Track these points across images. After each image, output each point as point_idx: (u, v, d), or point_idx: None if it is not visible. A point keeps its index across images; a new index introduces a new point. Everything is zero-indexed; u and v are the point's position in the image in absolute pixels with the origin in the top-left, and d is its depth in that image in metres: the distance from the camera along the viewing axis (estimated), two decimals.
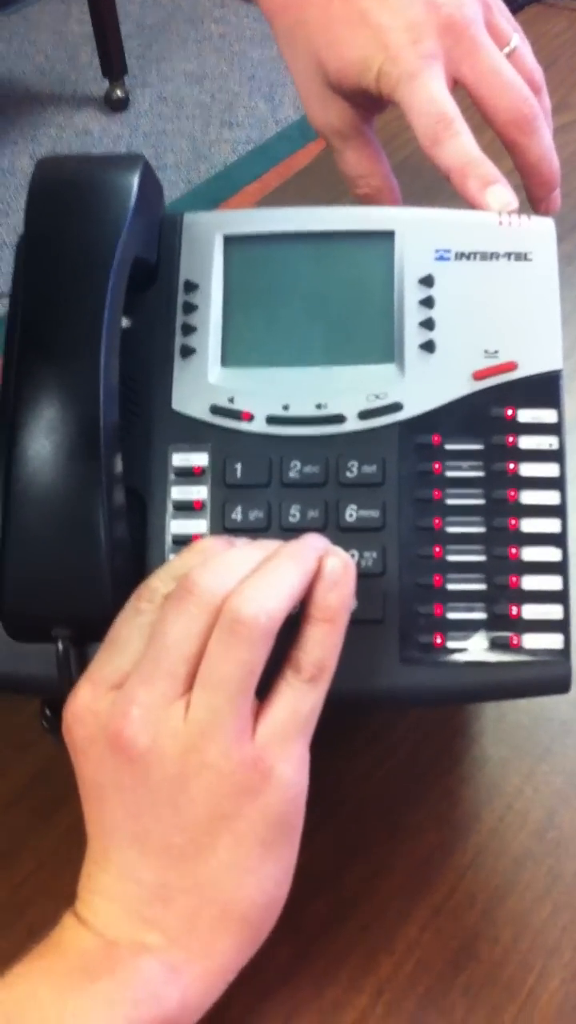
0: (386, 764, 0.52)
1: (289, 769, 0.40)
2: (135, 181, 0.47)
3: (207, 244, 0.49)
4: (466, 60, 0.54)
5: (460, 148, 0.52)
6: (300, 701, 0.40)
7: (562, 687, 0.45)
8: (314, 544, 0.42)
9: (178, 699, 0.39)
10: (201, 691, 0.39)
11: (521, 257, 0.49)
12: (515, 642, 0.44)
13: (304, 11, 0.57)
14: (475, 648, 0.44)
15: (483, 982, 0.45)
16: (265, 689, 0.40)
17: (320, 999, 0.45)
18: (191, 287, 0.49)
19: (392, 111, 0.58)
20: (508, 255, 0.49)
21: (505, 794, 0.50)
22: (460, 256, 0.49)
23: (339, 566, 0.41)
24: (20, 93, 2.64)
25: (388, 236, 0.49)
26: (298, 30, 0.57)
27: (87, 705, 0.41)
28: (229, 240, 0.50)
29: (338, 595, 0.41)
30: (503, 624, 0.44)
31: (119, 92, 2.53)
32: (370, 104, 0.58)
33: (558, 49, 0.98)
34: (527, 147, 0.54)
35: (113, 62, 2.50)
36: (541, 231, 0.50)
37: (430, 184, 0.84)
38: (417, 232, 0.49)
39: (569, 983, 0.45)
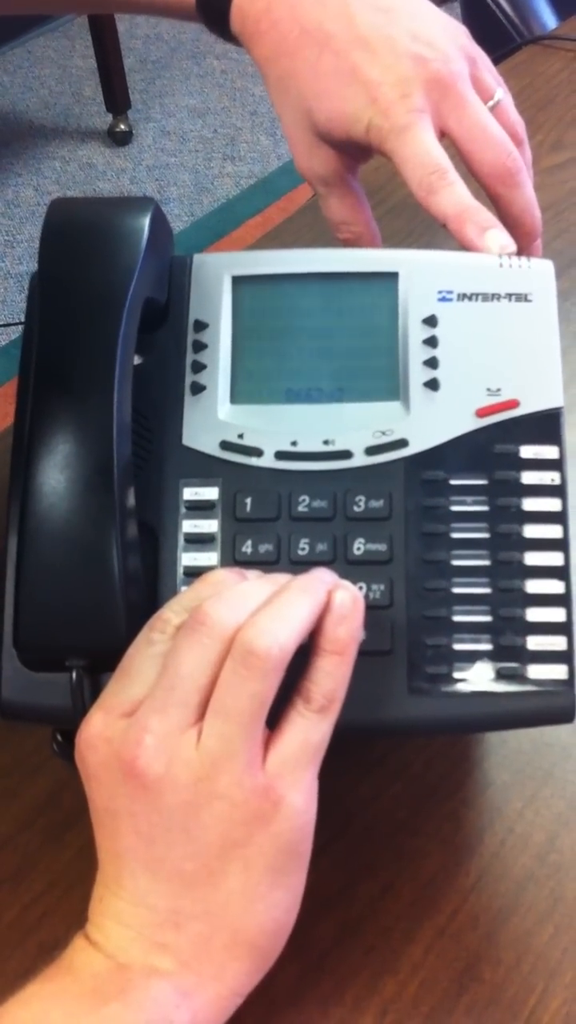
0: (391, 788, 0.53)
1: (299, 798, 0.41)
2: (146, 224, 0.48)
3: (216, 284, 0.51)
4: (453, 114, 0.55)
5: (456, 197, 0.54)
6: (310, 731, 0.42)
7: (567, 717, 0.46)
8: (323, 578, 0.43)
9: (191, 728, 0.41)
10: (214, 720, 0.41)
11: (521, 298, 0.51)
12: (520, 673, 0.46)
13: (294, 62, 0.58)
14: (481, 679, 0.46)
15: (486, 1003, 0.46)
16: (275, 718, 0.42)
17: (326, 1019, 0.46)
18: (201, 326, 0.51)
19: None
20: (509, 296, 0.51)
21: (507, 817, 0.52)
22: (462, 297, 0.51)
23: (348, 599, 0.43)
24: (24, 126, 2.67)
25: (392, 277, 0.51)
26: (289, 81, 0.58)
27: (99, 732, 0.42)
28: (237, 280, 0.51)
29: (347, 628, 0.42)
30: (508, 655, 0.46)
31: (123, 126, 2.57)
32: (356, 154, 0.60)
33: (555, 88, 1.01)
34: (511, 199, 0.56)
35: (117, 96, 2.53)
36: (540, 272, 0.52)
37: (430, 222, 0.87)
38: (420, 274, 0.51)
39: (571, 1003, 0.46)
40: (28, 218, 2.40)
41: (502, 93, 0.59)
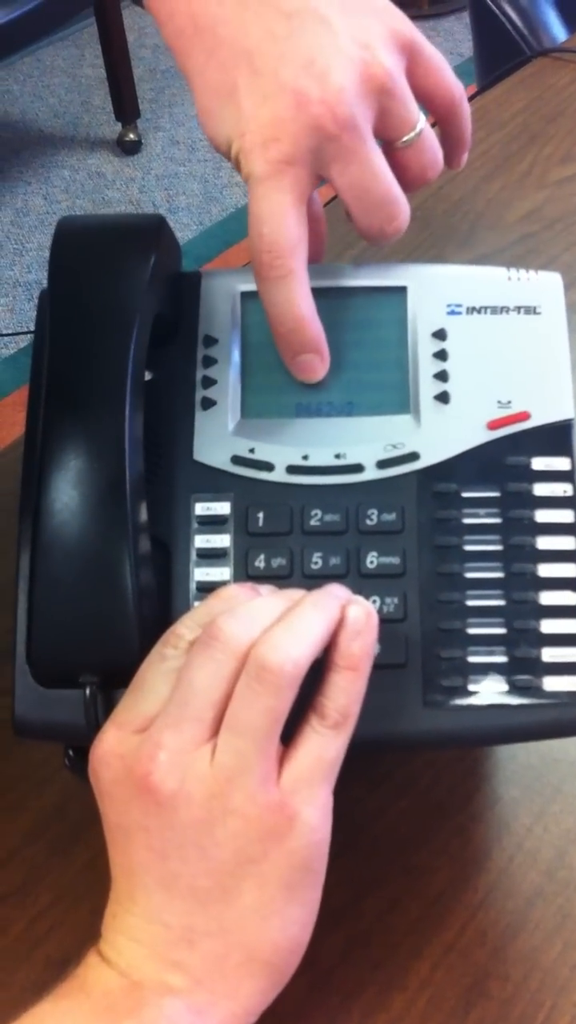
0: (400, 802, 0.53)
1: (314, 814, 0.41)
2: (155, 240, 0.48)
3: (225, 300, 0.51)
4: (335, 164, 0.47)
5: (282, 297, 0.48)
6: (325, 747, 0.42)
7: None
8: (337, 593, 0.43)
9: (205, 743, 0.41)
10: (228, 736, 0.40)
11: (531, 311, 0.51)
12: (535, 685, 0.45)
13: (186, 63, 0.50)
14: (496, 691, 0.46)
15: (494, 1020, 0.46)
16: (289, 733, 0.42)
17: None
18: (210, 341, 0.51)
19: None
20: (518, 308, 0.51)
21: (515, 833, 0.51)
22: (471, 310, 0.51)
23: (362, 615, 0.43)
24: (34, 135, 2.68)
25: (401, 292, 0.51)
26: (188, 81, 0.51)
27: (112, 748, 0.42)
28: (246, 296, 0.51)
29: (361, 643, 0.42)
30: (523, 667, 0.46)
31: (132, 135, 2.57)
32: None
33: (564, 101, 1.01)
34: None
35: (126, 105, 2.54)
36: (549, 285, 0.52)
37: (439, 234, 0.87)
38: (429, 288, 0.51)
39: None
40: (37, 227, 2.40)
41: (423, 123, 0.50)
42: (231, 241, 2.29)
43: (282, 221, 0.47)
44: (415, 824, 0.52)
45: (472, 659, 0.46)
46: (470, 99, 0.95)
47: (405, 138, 0.49)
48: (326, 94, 0.46)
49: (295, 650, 0.41)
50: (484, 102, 1.00)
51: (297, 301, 0.48)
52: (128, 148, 2.58)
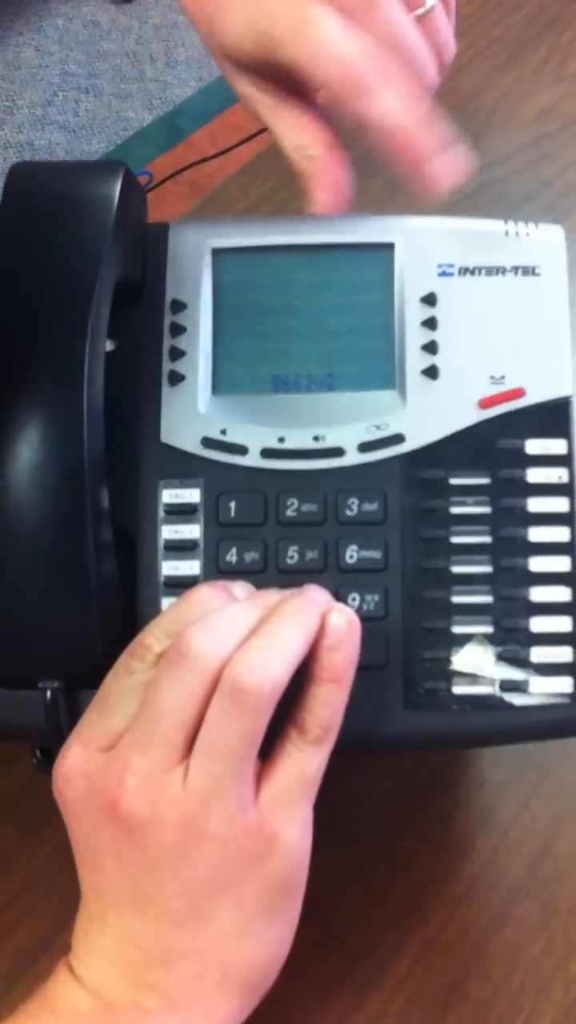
0: (381, 785, 0.51)
1: (294, 833, 0.39)
2: (116, 192, 0.44)
3: (195, 259, 0.47)
4: (359, 11, 0.44)
5: (389, 104, 0.43)
6: (306, 763, 0.39)
7: (572, 731, 0.44)
8: (316, 599, 0.41)
9: (176, 766, 0.38)
10: (202, 759, 0.38)
11: (529, 271, 0.46)
12: (523, 686, 0.43)
13: None
14: (481, 693, 0.43)
15: (472, 1022, 0.45)
16: (267, 744, 0.39)
17: None
18: (179, 306, 0.46)
19: None
20: (515, 269, 0.46)
21: (501, 820, 0.50)
22: (464, 271, 0.46)
23: (343, 623, 0.40)
24: None
25: (388, 249, 0.47)
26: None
27: (78, 767, 0.40)
28: (218, 253, 0.47)
29: (343, 654, 0.40)
30: (510, 668, 0.43)
31: None
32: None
33: None
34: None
35: None
36: (550, 241, 0.47)
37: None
38: (418, 244, 0.47)
39: (559, 1023, 0.45)
40: (29, 81, 2.29)
41: (435, 1, 0.48)
42: (231, 99, 2.17)
43: (349, 38, 0.44)
44: (398, 809, 0.50)
45: (456, 660, 0.43)
46: None
47: (420, 10, 0.47)
48: None
49: (273, 668, 0.38)
50: None
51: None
52: None
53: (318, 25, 0.44)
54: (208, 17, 0.49)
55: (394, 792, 0.51)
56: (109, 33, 2.41)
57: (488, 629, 0.43)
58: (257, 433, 0.45)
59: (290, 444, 0.45)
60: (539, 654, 0.43)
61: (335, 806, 0.50)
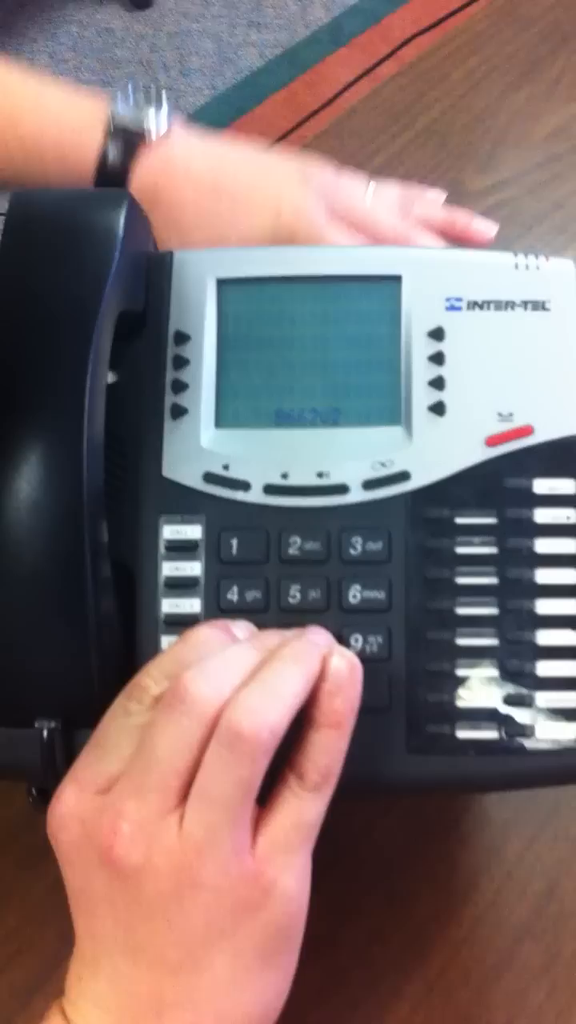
0: (383, 821, 0.50)
1: (292, 882, 0.38)
2: (120, 223, 0.43)
3: (199, 289, 0.46)
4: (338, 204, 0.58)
5: None
6: (304, 810, 0.39)
7: None
8: (317, 641, 0.40)
9: (171, 813, 0.38)
10: (198, 806, 0.37)
11: (538, 306, 0.46)
12: (528, 732, 0.42)
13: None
14: (486, 737, 0.42)
15: None
16: (265, 788, 0.38)
17: None
18: (182, 338, 0.46)
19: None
20: (524, 304, 0.46)
21: (505, 861, 0.49)
22: (472, 305, 0.46)
23: (344, 668, 0.39)
24: None
25: (395, 281, 0.46)
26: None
27: (71, 810, 0.39)
28: (223, 284, 0.46)
29: (344, 699, 0.39)
30: (516, 712, 0.42)
31: None
32: None
33: None
34: None
35: None
36: (560, 275, 0.46)
37: (459, 152, 0.80)
38: (427, 277, 0.46)
39: None
40: None
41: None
42: (245, 108, 2.17)
43: None
44: (399, 847, 0.50)
45: (461, 703, 0.42)
46: None
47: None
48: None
49: (271, 715, 0.37)
50: None
51: None
52: (139, 2, 2.43)
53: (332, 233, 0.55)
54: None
55: (395, 829, 0.50)
56: (123, 40, 2.41)
57: (494, 672, 0.43)
58: (260, 468, 0.44)
59: (293, 480, 0.44)
60: (545, 699, 0.43)
61: (335, 843, 0.49)
